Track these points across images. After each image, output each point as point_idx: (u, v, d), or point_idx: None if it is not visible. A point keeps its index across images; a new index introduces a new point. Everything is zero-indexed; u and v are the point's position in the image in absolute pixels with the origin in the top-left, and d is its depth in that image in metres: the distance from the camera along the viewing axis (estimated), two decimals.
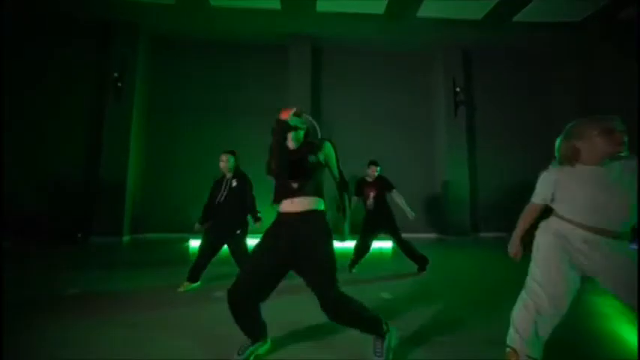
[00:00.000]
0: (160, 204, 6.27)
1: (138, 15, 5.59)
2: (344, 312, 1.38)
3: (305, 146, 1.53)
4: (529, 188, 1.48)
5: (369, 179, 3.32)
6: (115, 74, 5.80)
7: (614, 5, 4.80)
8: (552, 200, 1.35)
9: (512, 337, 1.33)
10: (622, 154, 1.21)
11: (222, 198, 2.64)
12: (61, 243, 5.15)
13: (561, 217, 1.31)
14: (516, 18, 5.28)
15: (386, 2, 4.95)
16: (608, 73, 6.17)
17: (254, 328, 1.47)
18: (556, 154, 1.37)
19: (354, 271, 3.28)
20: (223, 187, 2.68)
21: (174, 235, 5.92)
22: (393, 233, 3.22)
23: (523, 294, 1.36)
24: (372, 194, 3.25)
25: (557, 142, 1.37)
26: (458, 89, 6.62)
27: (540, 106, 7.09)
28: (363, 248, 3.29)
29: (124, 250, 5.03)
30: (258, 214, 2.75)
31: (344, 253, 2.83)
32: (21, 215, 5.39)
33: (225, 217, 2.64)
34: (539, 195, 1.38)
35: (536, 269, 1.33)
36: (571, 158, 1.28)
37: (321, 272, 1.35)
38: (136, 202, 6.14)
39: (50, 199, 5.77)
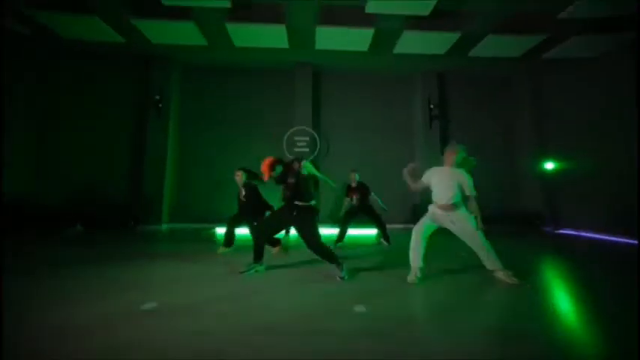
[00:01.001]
0: (190, 200, 7.77)
1: (176, 51, 7.14)
2: (320, 253, 2.92)
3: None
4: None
5: (353, 184, 4.78)
6: (157, 97, 7.36)
7: (537, 49, 6.39)
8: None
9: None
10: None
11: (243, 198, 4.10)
12: (119, 229, 6.68)
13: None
14: (471, 53, 6.78)
15: (369, 43, 6.45)
16: (547, 93, 7.75)
17: (259, 254, 3.06)
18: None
19: (338, 245, 4.62)
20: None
21: (201, 225, 7.41)
22: (371, 214, 4.68)
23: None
24: (355, 196, 4.72)
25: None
26: (432, 106, 8.12)
27: (502, 122, 8.57)
28: (343, 229, 4.73)
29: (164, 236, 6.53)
30: (273, 208, 3.97)
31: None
32: (89, 208, 6.94)
33: (246, 211, 4.06)
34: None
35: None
36: (444, 163, 2.94)
37: (308, 234, 2.90)
38: (172, 198, 7.64)
39: (108, 196, 7.30)
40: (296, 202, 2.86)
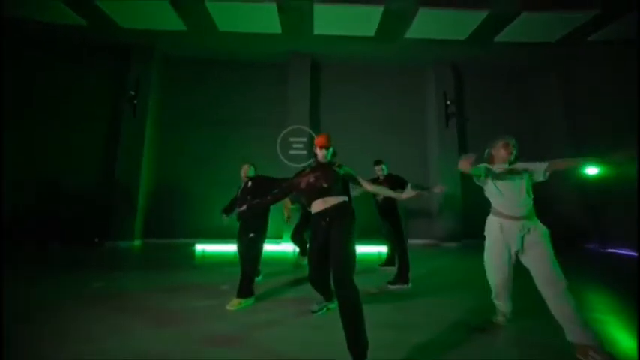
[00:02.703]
0: (168, 211, 6.72)
1: (153, 39, 6.19)
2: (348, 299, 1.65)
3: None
4: None
5: (381, 177, 3.62)
6: (131, 92, 6.38)
7: (582, 30, 5.29)
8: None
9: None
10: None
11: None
12: (81, 246, 5.62)
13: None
14: (497, 38, 5.74)
15: (376, 26, 5.45)
16: (583, 86, 6.62)
17: (326, 292, 2.31)
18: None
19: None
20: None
21: (180, 240, 6.34)
22: (395, 226, 3.52)
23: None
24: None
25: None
26: (448, 102, 7.06)
27: (527, 116, 7.49)
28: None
29: (135, 253, 5.46)
30: None
31: None
32: (44, 220, 5.90)
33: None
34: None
35: None
36: (488, 161, 2.03)
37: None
38: (147, 210, 6.60)
39: (70, 206, 6.27)
40: None
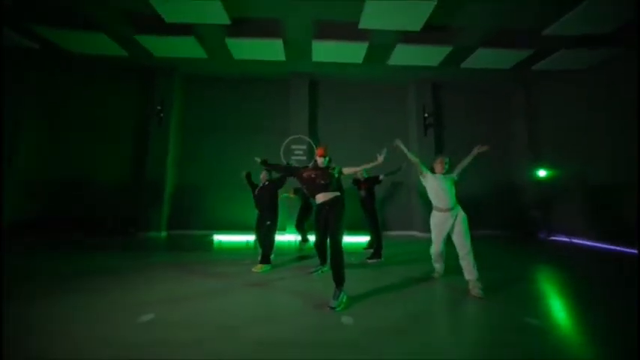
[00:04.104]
0: (189, 207, 7.94)
1: (176, 63, 7.36)
2: (336, 254, 2.74)
3: None
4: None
5: (361, 179, 5.06)
6: (158, 107, 7.57)
7: (526, 61, 6.59)
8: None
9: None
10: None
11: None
12: (119, 236, 6.88)
13: None
14: (463, 65, 6.98)
15: (363, 55, 6.65)
16: (542, 103, 7.94)
17: (323, 256, 3.44)
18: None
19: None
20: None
21: (201, 232, 7.59)
22: (372, 216, 4.85)
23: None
24: (363, 188, 4.98)
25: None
26: (426, 114, 8.31)
27: (495, 127, 8.76)
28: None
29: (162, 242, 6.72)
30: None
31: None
32: (88, 215, 7.15)
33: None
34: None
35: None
36: (432, 170, 3.34)
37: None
38: (171, 205, 7.82)
39: (109, 203, 7.50)
40: None
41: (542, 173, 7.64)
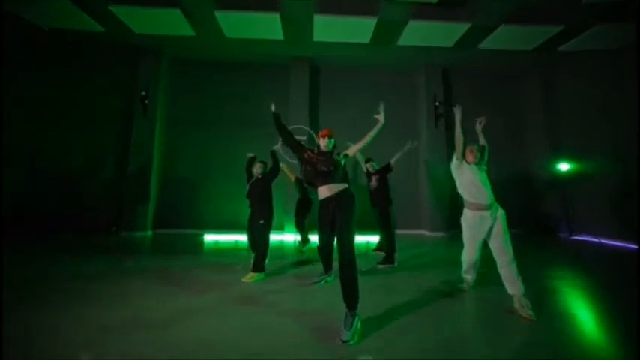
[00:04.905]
0: (178, 204, 7.25)
1: (162, 43, 6.61)
2: (347, 264, 2.06)
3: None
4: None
5: (371, 172, 4.37)
6: (143, 92, 6.83)
7: (553, 41, 5.89)
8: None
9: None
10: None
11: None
12: (100, 235, 6.18)
13: None
14: (481, 46, 6.27)
15: (371, 34, 5.94)
16: (560, 90, 7.26)
17: (328, 263, 2.92)
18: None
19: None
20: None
21: (188, 231, 6.91)
22: (383, 214, 4.14)
23: None
24: (374, 178, 4.29)
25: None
26: (437, 103, 7.62)
27: (510, 117, 8.09)
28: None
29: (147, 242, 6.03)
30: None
31: None
32: (65, 213, 6.44)
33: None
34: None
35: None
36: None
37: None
38: (157, 202, 7.12)
39: (86, 198, 6.79)
40: None
41: (563, 167, 6.98)
